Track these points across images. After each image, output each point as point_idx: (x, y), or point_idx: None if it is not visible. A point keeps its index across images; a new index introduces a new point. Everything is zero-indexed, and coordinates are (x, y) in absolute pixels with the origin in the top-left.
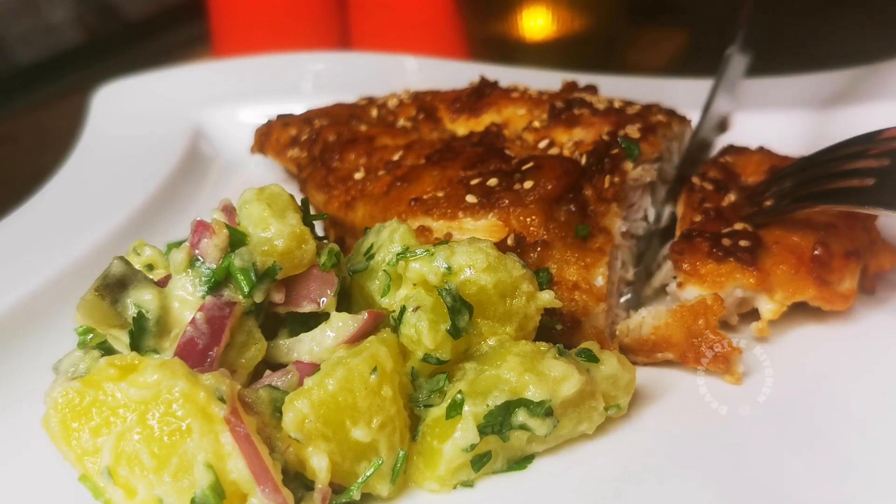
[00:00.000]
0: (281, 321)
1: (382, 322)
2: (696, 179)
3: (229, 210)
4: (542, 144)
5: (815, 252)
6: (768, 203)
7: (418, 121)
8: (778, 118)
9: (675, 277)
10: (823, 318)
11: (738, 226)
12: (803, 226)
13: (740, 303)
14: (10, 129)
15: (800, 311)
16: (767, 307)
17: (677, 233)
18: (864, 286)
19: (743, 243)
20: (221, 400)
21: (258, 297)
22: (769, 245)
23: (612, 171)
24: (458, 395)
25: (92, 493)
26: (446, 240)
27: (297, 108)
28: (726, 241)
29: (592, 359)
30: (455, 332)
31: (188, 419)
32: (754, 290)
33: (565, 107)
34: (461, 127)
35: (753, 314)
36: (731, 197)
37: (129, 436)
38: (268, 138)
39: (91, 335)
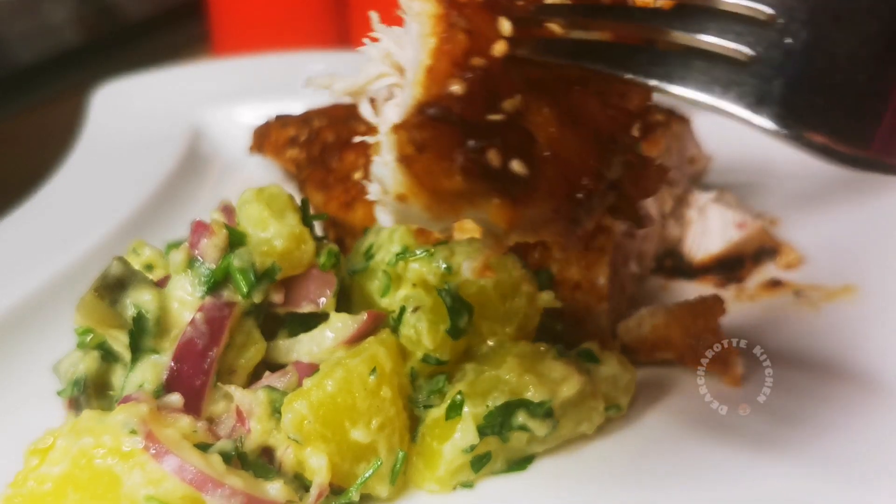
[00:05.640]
0: (280, 322)
1: (382, 323)
2: None
3: (228, 210)
4: None
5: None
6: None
7: None
8: None
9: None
10: (824, 318)
11: (509, 104)
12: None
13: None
14: (10, 129)
15: (799, 310)
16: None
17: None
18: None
19: (516, 167)
20: (134, 431)
21: (257, 298)
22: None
23: None
24: (458, 396)
25: None
26: (446, 240)
27: (297, 108)
28: (493, 155)
29: (593, 359)
30: (455, 333)
31: (113, 465)
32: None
33: None
34: None
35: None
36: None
37: None
38: (266, 138)
39: (91, 335)
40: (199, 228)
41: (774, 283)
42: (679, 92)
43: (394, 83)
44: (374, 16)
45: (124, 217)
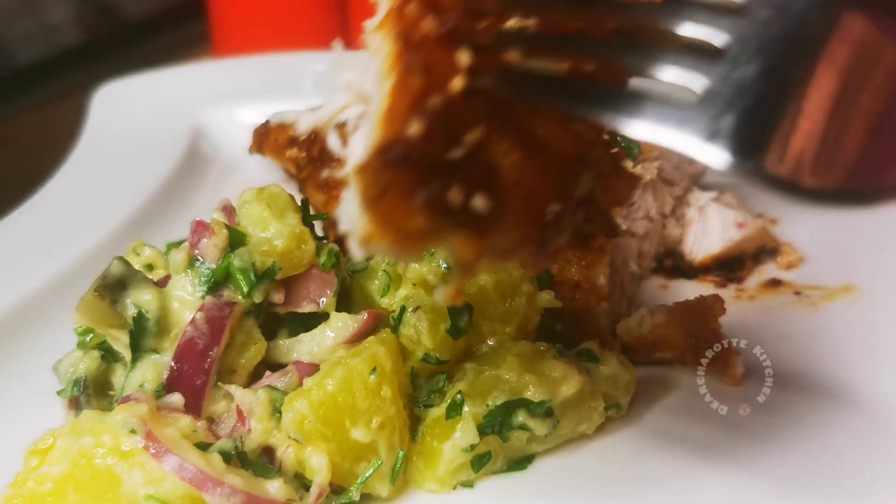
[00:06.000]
0: (281, 321)
1: (382, 322)
2: None
3: (229, 210)
4: None
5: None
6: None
7: None
8: None
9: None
10: (824, 318)
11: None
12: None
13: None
14: (10, 129)
15: (799, 310)
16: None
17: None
18: (606, 228)
19: (479, 202)
20: (133, 431)
21: (258, 298)
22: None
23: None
24: (458, 396)
25: None
26: None
27: (297, 108)
28: (455, 192)
29: (593, 359)
30: (455, 333)
31: (113, 465)
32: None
33: None
34: None
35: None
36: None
37: None
38: (266, 138)
39: (91, 335)
40: (200, 228)
41: (774, 283)
42: (633, 131)
43: (360, 114)
44: (337, 44)
45: (124, 217)
